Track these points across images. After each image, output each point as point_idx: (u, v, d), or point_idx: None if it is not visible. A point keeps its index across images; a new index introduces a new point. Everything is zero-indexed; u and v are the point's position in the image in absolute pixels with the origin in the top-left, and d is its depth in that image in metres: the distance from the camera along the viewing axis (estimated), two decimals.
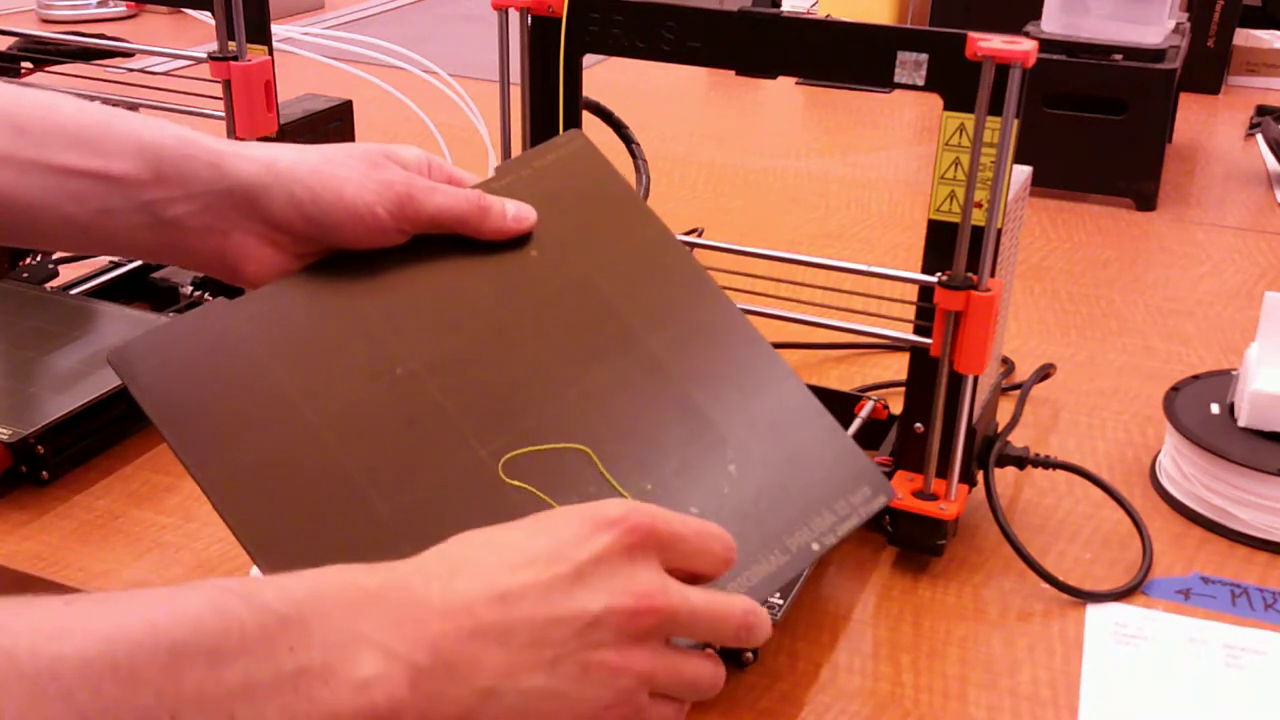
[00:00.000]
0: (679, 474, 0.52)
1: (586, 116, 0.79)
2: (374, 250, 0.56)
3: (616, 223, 0.60)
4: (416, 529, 0.48)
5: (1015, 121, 0.64)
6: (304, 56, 1.30)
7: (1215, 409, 0.83)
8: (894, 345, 0.99)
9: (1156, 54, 1.33)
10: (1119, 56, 1.34)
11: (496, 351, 0.54)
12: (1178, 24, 1.46)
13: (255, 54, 1.01)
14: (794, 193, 1.40)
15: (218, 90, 1.02)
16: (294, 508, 0.49)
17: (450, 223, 0.56)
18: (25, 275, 1.01)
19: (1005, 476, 0.83)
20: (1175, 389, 0.86)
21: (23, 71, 1.15)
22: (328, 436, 0.50)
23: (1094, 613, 0.71)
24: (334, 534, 0.48)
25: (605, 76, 1.81)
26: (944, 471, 0.72)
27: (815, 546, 0.51)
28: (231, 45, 1.00)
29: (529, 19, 0.75)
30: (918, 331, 0.71)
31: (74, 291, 0.99)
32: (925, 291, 0.70)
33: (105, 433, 0.84)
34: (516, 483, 0.50)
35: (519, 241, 0.58)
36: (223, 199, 0.54)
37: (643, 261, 0.59)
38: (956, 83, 0.65)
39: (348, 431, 0.51)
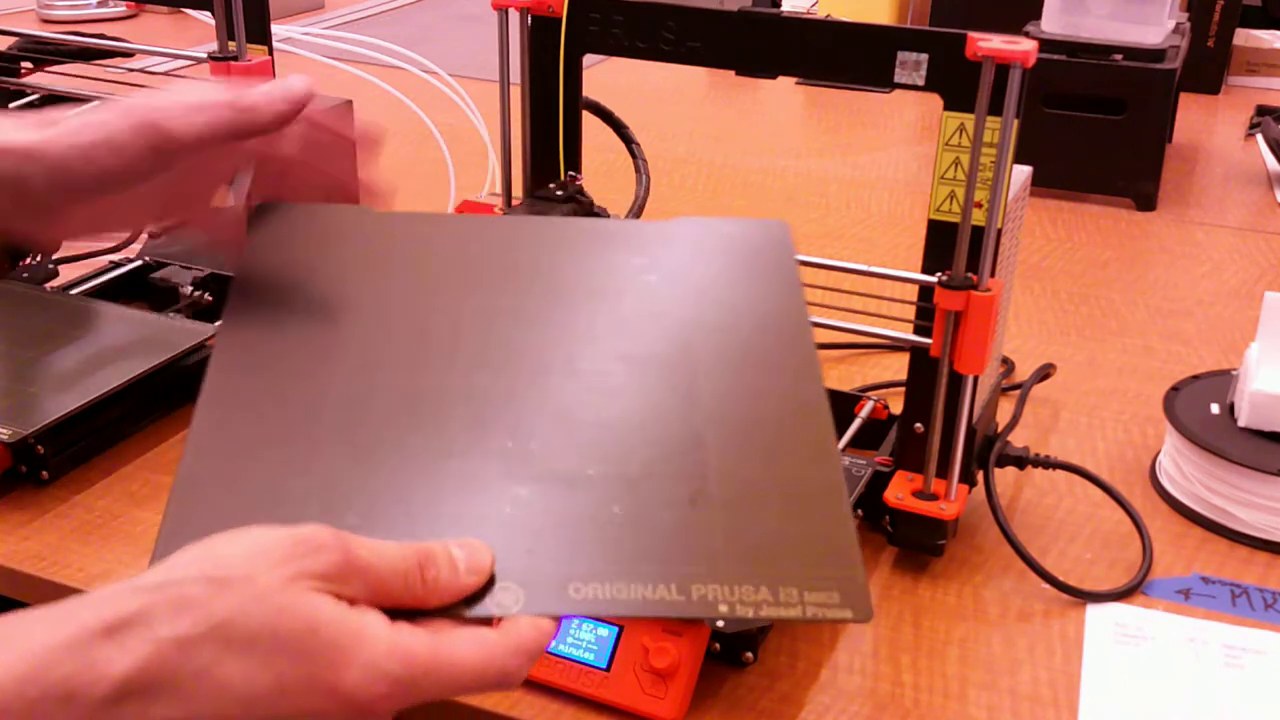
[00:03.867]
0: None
1: (586, 116, 0.79)
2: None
3: None
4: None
5: (1015, 121, 0.64)
6: (304, 56, 1.30)
7: (1215, 409, 0.83)
8: (894, 345, 0.99)
9: (1156, 54, 1.33)
10: (1119, 56, 1.34)
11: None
12: (1178, 24, 1.46)
13: (255, 54, 1.01)
14: (794, 193, 1.40)
15: None
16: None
17: (212, 132, 0.51)
18: (25, 275, 1.01)
19: (1005, 476, 0.83)
20: (1175, 389, 0.86)
21: (23, 71, 1.15)
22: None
23: (1094, 613, 0.71)
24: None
25: (605, 76, 1.81)
26: (944, 471, 0.72)
27: (723, 608, 0.40)
28: (231, 45, 1.00)
29: (529, 19, 0.75)
30: (918, 331, 0.71)
31: (74, 291, 0.99)
32: (925, 291, 0.70)
33: (105, 433, 0.84)
34: None
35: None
36: None
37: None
38: (956, 83, 0.65)
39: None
